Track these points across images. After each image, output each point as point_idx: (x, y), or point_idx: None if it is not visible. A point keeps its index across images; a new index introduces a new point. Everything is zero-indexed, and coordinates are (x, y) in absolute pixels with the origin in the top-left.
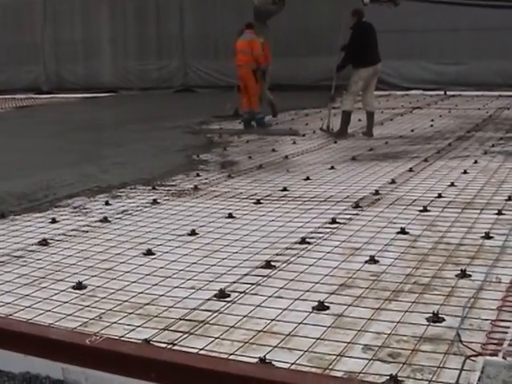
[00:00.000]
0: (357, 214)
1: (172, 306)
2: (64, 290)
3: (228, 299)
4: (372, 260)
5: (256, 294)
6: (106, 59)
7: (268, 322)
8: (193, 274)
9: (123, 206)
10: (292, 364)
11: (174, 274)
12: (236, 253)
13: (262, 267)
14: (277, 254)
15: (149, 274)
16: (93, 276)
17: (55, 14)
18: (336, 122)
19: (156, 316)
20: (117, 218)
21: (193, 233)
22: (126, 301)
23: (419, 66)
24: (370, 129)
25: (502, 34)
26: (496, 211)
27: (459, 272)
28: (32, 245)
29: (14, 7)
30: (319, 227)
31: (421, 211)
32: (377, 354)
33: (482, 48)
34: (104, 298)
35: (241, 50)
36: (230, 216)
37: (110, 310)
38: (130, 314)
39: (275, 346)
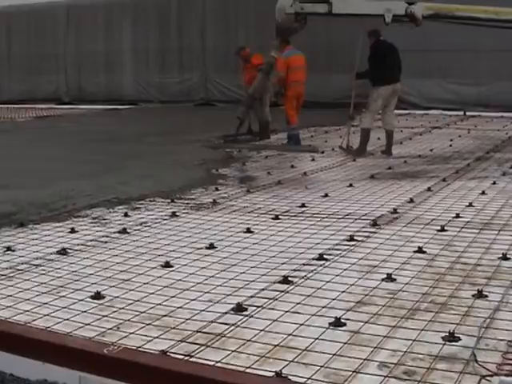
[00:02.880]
0: (374, 232)
1: (189, 319)
2: (82, 300)
3: (245, 313)
4: (389, 278)
5: (273, 309)
6: (127, 71)
7: (285, 336)
8: (210, 287)
9: (142, 217)
10: (308, 379)
11: (191, 286)
12: (254, 267)
13: (279, 282)
14: (294, 270)
15: (167, 286)
16: (111, 286)
17: (78, 25)
18: (355, 140)
19: (173, 328)
20: (136, 230)
21: (211, 246)
22: (144, 312)
23: (439, 86)
24: (389, 148)
25: None
26: None
27: (476, 292)
28: (51, 254)
29: (37, 18)
30: (337, 244)
31: (438, 231)
32: (392, 372)
33: (503, 69)
34: (122, 308)
35: (301, 66)
36: (248, 231)
37: (128, 320)
38: (147, 325)
39: (291, 361)
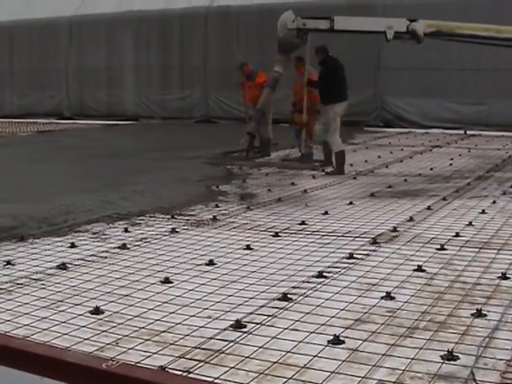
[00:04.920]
0: (374, 250)
1: (188, 335)
2: (81, 315)
3: (244, 330)
4: (388, 296)
5: (272, 326)
6: (129, 87)
7: (283, 353)
8: (210, 303)
9: (142, 233)
10: None
11: (191, 302)
12: (253, 284)
13: (278, 299)
14: (294, 287)
15: (166, 302)
16: (110, 301)
17: (80, 40)
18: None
19: (172, 344)
20: (135, 246)
21: (210, 263)
22: (143, 327)
23: (440, 105)
24: (328, 159)
25: None
26: None
27: (475, 311)
28: (51, 268)
29: (40, 32)
30: (336, 262)
31: (438, 249)
32: None
33: (504, 88)
34: (121, 323)
35: None
36: (248, 248)
37: (127, 335)
38: (146, 340)
39: (290, 378)
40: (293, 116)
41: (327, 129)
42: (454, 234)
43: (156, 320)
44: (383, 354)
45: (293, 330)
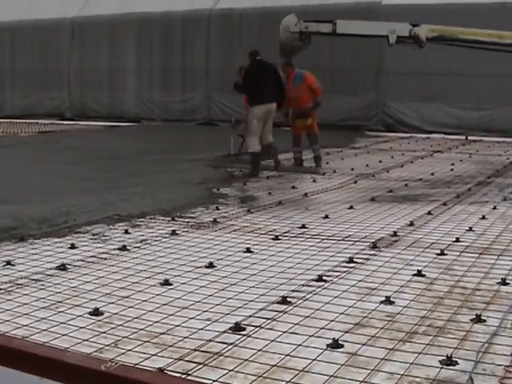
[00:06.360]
0: (374, 255)
1: (187, 337)
2: (81, 316)
3: (243, 332)
4: (387, 301)
5: (271, 329)
6: (131, 89)
7: (282, 357)
8: (209, 306)
9: (142, 235)
10: None
11: (190, 305)
12: (253, 287)
13: (278, 303)
14: (293, 291)
15: (165, 304)
16: (110, 303)
17: (82, 41)
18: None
19: (171, 346)
20: (135, 247)
21: (210, 265)
22: (142, 329)
23: (441, 110)
24: (276, 164)
25: None
26: None
27: (474, 316)
28: (50, 269)
29: (41, 33)
30: (336, 266)
31: (438, 254)
32: None
33: (505, 94)
34: (120, 325)
35: None
36: (248, 250)
37: (126, 337)
38: (145, 342)
39: (288, 381)
40: (294, 122)
41: (270, 130)
42: (454, 239)
43: (155, 322)
44: (382, 359)
45: (292, 333)
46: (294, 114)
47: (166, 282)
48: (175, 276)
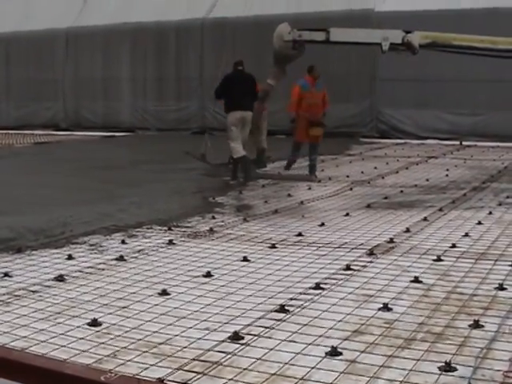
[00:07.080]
0: (371, 262)
1: (186, 347)
2: (79, 326)
3: (242, 341)
4: (385, 307)
5: (270, 338)
6: (125, 99)
7: (281, 365)
8: (207, 315)
9: (139, 245)
10: None
11: (188, 314)
12: (250, 296)
13: (276, 311)
14: (291, 299)
15: (164, 314)
16: (108, 313)
17: (76, 52)
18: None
19: (170, 355)
20: (133, 257)
21: (208, 274)
22: (141, 339)
23: (435, 116)
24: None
25: None
26: (510, 263)
27: (472, 322)
28: (48, 280)
29: (36, 44)
30: (333, 273)
31: (435, 260)
32: None
33: (499, 99)
34: (119, 335)
35: None
36: (245, 259)
37: (125, 347)
38: (144, 352)
39: None
40: (304, 130)
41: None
42: (450, 244)
43: (154, 332)
44: (381, 366)
45: (290, 341)
46: (309, 122)
47: (164, 292)
48: (173, 286)
